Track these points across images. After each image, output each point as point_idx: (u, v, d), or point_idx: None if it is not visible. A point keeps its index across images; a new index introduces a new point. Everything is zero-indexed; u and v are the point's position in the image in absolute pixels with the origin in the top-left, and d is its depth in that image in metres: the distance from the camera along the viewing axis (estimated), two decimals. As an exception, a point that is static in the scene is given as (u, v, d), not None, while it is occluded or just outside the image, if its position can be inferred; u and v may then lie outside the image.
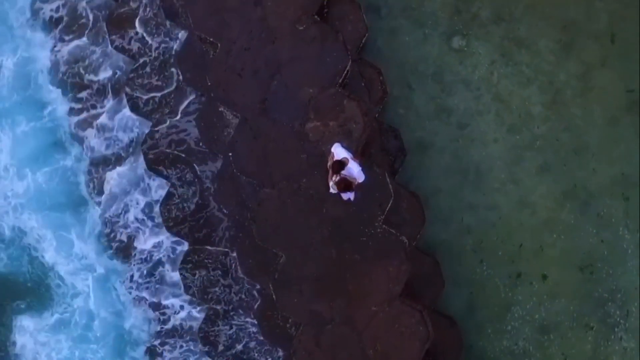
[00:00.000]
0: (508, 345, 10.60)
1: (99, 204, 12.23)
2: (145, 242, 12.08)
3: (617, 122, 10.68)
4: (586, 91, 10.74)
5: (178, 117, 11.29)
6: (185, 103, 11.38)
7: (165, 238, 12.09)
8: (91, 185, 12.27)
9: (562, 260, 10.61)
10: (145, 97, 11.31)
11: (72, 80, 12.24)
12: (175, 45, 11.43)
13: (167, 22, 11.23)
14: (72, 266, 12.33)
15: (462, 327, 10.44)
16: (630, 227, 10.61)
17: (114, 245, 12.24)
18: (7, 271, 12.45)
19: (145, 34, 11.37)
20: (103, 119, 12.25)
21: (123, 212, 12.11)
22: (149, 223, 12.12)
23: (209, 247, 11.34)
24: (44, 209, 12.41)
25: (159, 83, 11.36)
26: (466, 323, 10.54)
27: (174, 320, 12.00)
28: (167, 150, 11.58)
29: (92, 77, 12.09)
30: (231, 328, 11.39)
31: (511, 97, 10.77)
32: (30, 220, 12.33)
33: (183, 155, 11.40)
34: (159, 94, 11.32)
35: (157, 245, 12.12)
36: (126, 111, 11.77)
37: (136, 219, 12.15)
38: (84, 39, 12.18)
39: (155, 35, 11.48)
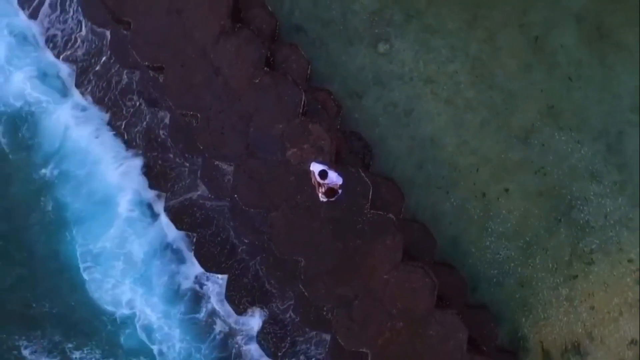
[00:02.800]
0: (492, 257, 12.75)
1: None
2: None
3: (529, 67, 12.88)
4: (497, 51, 12.89)
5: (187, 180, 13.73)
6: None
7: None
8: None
9: (517, 171, 12.73)
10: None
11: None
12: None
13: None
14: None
15: (451, 255, 12.63)
16: (562, 129, 12.71)
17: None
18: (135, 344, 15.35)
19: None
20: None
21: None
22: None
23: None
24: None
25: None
26: (454, 251, 12.73)
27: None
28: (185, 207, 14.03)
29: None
30: (283, 330, 13.78)
31: (439, 76, 12.94)
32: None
33: (200, 207, 13.79)
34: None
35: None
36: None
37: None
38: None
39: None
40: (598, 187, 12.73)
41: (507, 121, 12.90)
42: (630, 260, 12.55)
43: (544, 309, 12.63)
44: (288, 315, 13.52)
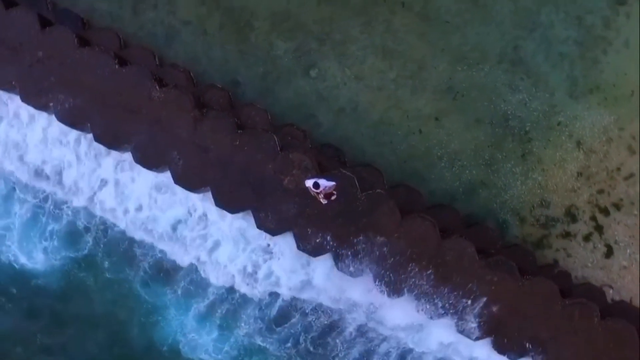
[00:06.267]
0: (449, 174, 15.95)
1: None
2: None
3: (425, 34, 16.05)
4: (396, 34, 16.00)
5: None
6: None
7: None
8: None
9: (442, 102, 15.83)
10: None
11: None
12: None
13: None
14: None
15: (422, 188, 15.79)
16: (470, 65, 15.86)
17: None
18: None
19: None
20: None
21: None
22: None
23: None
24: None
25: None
26: (422, 185, 15.90)
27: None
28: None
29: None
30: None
31: (364, 72, 16.07)
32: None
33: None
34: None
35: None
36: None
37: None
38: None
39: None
40: (518, 94, 15.88)
41: (430, 80, 16.07)
42: (559, 123, 15.73)
43: (506, 190, 15.90)
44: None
